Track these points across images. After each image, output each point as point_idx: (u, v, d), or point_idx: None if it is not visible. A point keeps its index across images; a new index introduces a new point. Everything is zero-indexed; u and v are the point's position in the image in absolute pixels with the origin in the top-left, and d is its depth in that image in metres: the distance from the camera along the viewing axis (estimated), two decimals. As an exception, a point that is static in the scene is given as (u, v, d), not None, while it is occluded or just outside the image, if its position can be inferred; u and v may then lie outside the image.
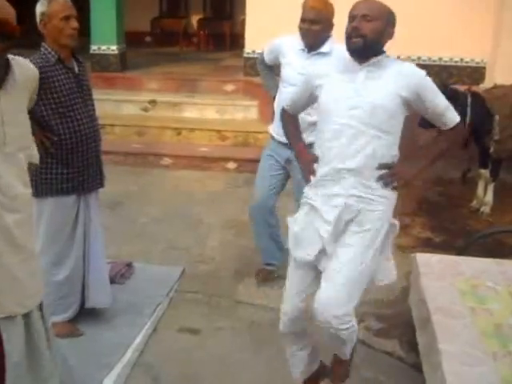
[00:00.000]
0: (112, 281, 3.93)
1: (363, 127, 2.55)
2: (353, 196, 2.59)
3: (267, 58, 4.01)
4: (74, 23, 3.12)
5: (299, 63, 3.67)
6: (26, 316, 2.46)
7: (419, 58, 7.22)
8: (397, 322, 3.72)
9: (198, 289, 4.06)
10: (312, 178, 2.73)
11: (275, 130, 3.88)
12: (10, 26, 2.24)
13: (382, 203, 2.62)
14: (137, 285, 4.03)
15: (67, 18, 3.10)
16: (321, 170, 2.68)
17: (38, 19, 3.13)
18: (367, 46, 2.54)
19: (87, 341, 3.39)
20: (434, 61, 7.36)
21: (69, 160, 3.23)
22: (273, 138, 3.94)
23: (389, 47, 2.64)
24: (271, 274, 4.17)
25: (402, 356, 3.42)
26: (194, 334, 3.58)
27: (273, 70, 4.10)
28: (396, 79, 2.56)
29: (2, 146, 2.38)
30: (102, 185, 3.46)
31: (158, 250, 4.61)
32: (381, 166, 2.60)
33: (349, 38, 2.57)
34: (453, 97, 2.88)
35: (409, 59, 6.80)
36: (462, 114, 4.61)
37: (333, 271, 2.60)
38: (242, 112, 7.25)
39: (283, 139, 3.78)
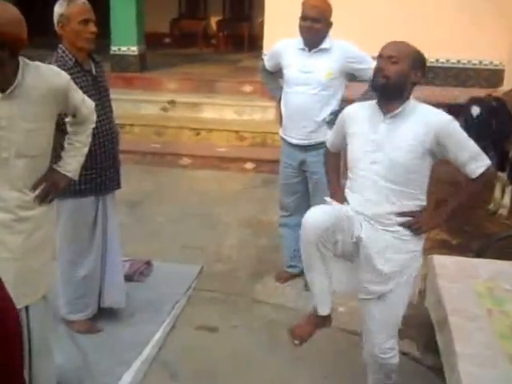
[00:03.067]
0: (131, 279, 3.99)
1: (383, 182, 2.58)
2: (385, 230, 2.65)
3: (268, 65, 4.01)
4: (92, 27, 3.09)
5: (301, 62, 3.69)
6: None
7: (437, 61, 7.21)
8: (413, 323, 3.71)
9: (215, 287, 4.09)
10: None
11: (285, 132, 3.90)
12: (21, 41, 2.26)
13: (409, 242, 2.68)
14: (155, 283, 4.07)
15: (85, 22, 3.06)
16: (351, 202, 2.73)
17: (55, 20, 3.09)
18: (390, 86, 2.55)
19: (107, 337, 3.44)
20: (452, 63, 7.34)
21: (87, 162, 3.16)
22: (284, 140, 3.96)
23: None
24: (292, 276, 4.19)
25: (419, 357, 3.43)
26: (211, 332, 3.62)
27: (275, 75, 4.09)
28: (418, 129, 2.54)
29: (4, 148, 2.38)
30: (119, 186, 3.47)
31: (175, 248, 4.65)
32: (402, 214, 2.63)
33: (374, 77, 2.60)
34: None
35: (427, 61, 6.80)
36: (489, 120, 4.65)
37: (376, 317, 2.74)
38: (260, 113, 7.27)
39: (294, 141, 3.82)
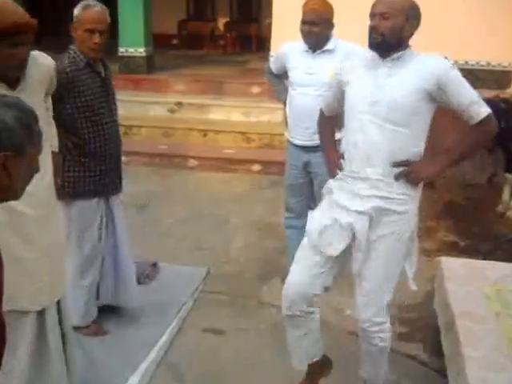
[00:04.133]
0: (137, 281, 3.97)
1: (385, 124, 2.55)
2: (375, 195, 2.61)
3: (274, 67, 4.02)
4: (95, 39, 3.04)
5: (305, 64, 3.69)
6: (40, 313, 2.53)
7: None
8: (421, 325, 3.70)
9: (222, 289, 4.09)
10: (338, 172, 2.76)
11: (290, 133, 3.91)
12: (31, 25, 2.27)
13: (404, 202, 2.63)
14: (162, 285, 4.07)
15: (91, 32, 3.04)
16: (346, 166, 2.71)
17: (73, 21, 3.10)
18: (386, 43, 2.54)
19: (113, 340, 3.43)
20: (460, 64, 7.29)
21: (91, 163, 3.23)
22: (289, 141, 3.96)
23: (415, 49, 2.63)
24: None
25: (426, 360, 3.41)
26: (218, 335, 3.61)
27: (280, 77, 4.09)
28: (417, 73, 2.53)
29: None
30: (120, 189, 3.44)
31: (183, 250, 4.65)
32: (395, 164, 2.59)
33: (369, 35, 2.58)
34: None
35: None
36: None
37: (365, 283, 2.72)
38: (268, 114, 7.26)
39: (299, 142, 3.81)
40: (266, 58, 8.07)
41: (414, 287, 2.77)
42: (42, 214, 2.50)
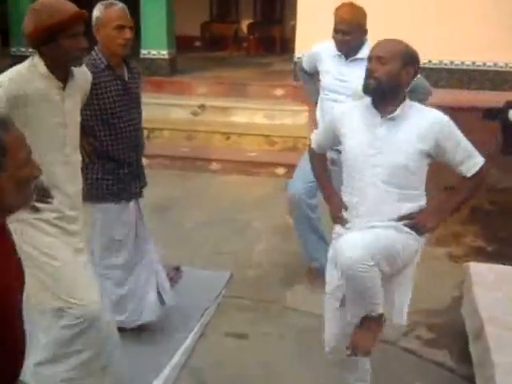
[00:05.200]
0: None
1: (386, 186, 2.54)
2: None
3: (306, 66, 4.01)
4: (127, 33, 3.07)
5: (337, 70, 3.68)
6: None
7: (474, 63, 7.07)
8: (448, 332, 3.64)
9: (245, 294, 4.06)
10: (341, 226, 2.72)
11: None
12: (84, 15, 2.40)
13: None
14: (185, 289, 4.05)
15: (120, 28, 3.05)
16: (350, 221, 2.68)
17: (93, 23, 3.10)
18: (381, 89, 2.50)
19: (136, 343, 3.42)
20: (488, 66, 7.19)
21: (110, 167, 3.22)
22: None
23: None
24: (321, 274, 4.12)
25: (453, 367, 3.34)
26: (241, 339, 3.59)
27: (313, 76, 4.08)
28: (417, 131, 2.51)
29: (63, 147, 2.47)
30: (141, 193, 3.41)
31: (204, 254, 4.63)
32: (401, 218, 2.58)
33: (364, 79, 2.55)
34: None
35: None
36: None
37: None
38: (291, 117, 7.22)
39: None
40: (289, 60, 8.07)
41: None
42: (76, 215, 2.58)
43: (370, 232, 2.53)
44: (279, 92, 7.70)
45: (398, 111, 2.52)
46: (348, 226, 2.68)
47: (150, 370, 3.20)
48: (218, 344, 3.53)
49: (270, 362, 3.37)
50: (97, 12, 3.09)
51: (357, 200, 2.62)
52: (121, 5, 3.11)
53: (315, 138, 2.94)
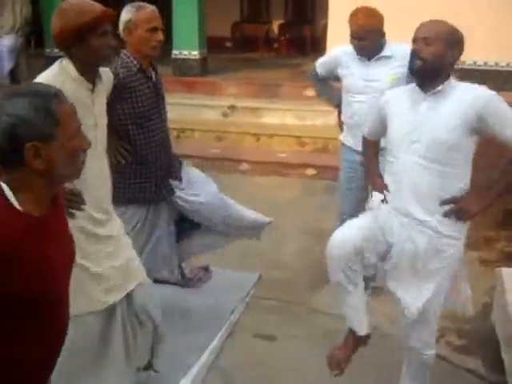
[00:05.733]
0: (189, 284, 4.00)
1: (426, 162, 2.52)
2: (422, 232, 2.60)
3: (321, 72, 3.98)
4: (160, 36, 3.08)
5: (363, 71, 3.65)
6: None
7: (508, 65, 6.94)
8: (478, 338, 3.58)
9: (273, 295, 4.05)
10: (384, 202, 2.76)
11: (346, 137, 3.91)
12: (112, 14, 2.42)
13: (453, 236, 2.61)
14: (213, 289, 4.07)
15: (153, 30, 3.06)
16: (391, 201, 2.70)
17: (122, 26, 3.09)
18: (427, 69, 2.50)
19: (164, 342, 3.43)
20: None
21: (142, 170, 3.23)
22: (344, 144, 3.96)
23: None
24: None
25: (484, 374, 3.29)
26: (268, 341, 3.58)
27: (326, 81, 4.06)
28: (458, 108, 2.48)
29: (94, 149, 2.49)
30: (172, 194, 3.42)
31: (233, 254, 4.62)
32: (444, 202, 2.55)
33: (410, 61, 2.55)
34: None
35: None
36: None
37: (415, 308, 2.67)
38: (322, 118, 7.17)
39: (354, 146, 3.76)
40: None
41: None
42: (106, 218, 2.59)
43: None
44: (310, 93, 7.63)
45: (441, 87, 2.51)
46: (389, 207, 2.69)
47: (178, 369, 3.22)
48: (246, 345, 3.53)
49: (298, 364, 3.36)
50: (127, 14, 3.07)
51: (398, 179, 2.62)
52: (152, 7, 3.11)
53: (367, 127, 3.00)
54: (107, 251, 2.59)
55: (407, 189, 2.58)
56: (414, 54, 2.52)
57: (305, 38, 10.59)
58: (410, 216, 2.60)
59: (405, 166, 2.58)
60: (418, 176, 2.54)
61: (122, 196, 3.21)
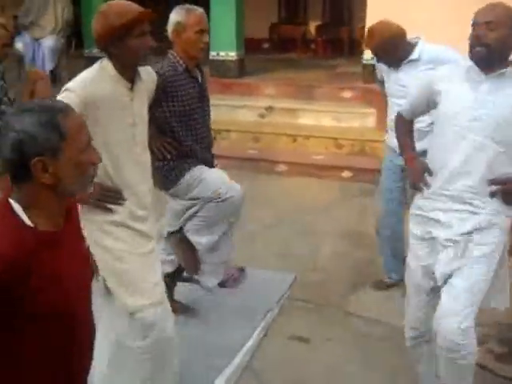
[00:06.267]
0: (224, 284, 3.99)
1: (484, 140, 2.45)
2: (468, 211, 2.52)
3: (378, 75, 4.06)
4: (207, 38, 3.17)
5: (396, 76, 3.69)
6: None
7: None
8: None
9: (308, 297, 4.02)
10: (425, 189, 2.66)
11: (390, 139, 3.88)
12: (150, 14, 2.44)
13: (497, 217, 2.53)
14: (249, 289, 4.05)
15: (202, 32, 3.14)
16: (435, 183, 2.61)
17: (171, 27, 3.17)
18: (491, 55, 2.42)
19: (198, 342, 3.44)
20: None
21: (185, 167, 3.28)
22: (387, 145, 3.96)
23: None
24: (389, 287, 4.11)
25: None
26: (303, 343, 3.56)
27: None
28: None
29: (133, 147, 2.51)
30: None
31: (269, 255, 4.62)
32: (493, 182, 2.48)
33: (472, 47, 2.46)
34: None
35: None
36: None
37: (454, 285, 2.55)
38: (360, 120, 7.13)
39: (395, 148, 3.73)
40: (358, 62, 7.97)
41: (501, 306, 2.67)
42: (146, 215, 2.62)
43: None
44: (347, 94, 7.61)
45: (504, 70, 2.45)
46: (429, 191, 2.62)
47: (212, 369, 3.22)
48: (280, 346, 3.51)
49: (332, 368, 3.32)
50: (177, 16, 3.15)
51: (445, 157, 2.55)
52: (200, 10, 3.19)
53: (406, 104, 2.90)
54: (143, 251, 2.61)
55: (456, 166, 2.51)
56: (476, 40, 2.43)
57: (342, 39, 10.56)
58: (454, 197, 2.53)
59: (458, 143, 2.50)
60: (472, 153, 2.47)
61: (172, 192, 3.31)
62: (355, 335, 3.61)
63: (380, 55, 3.61)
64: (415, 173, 2.73)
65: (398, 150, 3.70)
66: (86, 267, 1.76)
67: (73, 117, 1.56)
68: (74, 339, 1.64)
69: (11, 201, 1.52)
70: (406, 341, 2.86)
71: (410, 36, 3.74)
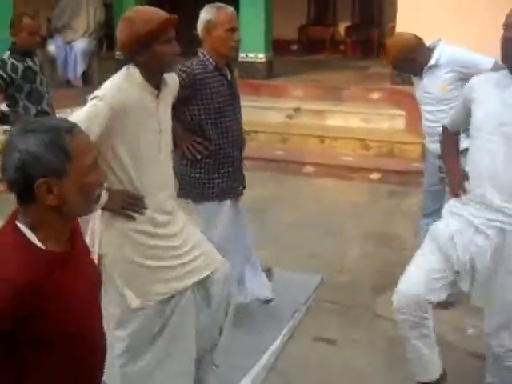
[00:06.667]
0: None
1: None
2: (500, 221, 2.51)
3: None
4: (237, 36, 3.16)
5: (421, 83, 3.70)
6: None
7: None
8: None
9: (335, 299, 4.01)
10: (462, 194, 2.66)
11: (427, 143, 3.93)
12: (175, 21, 2.41)
13: None
14: (275, 290, 4.01)
15: (232, 30, 3.14)
16: (472, 190, 2.60)
17: (201, 25, 3.17)
18: None
19: (224, 342, 3.45)
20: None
21: (215, 166, 3.28)
22: (427, 149, 4.01)
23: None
24: None
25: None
26: (330, 344, 3.55)
27: None
28: None
29: (157, 154, 2.52)
30: (242, 192, 3.49)
31: (296, 256, 4.62)
32: None
33: (506, 48, 2.45)
34: None
35: None
36: None
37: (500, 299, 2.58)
38: (388, 121, 7.08)
39: (433, 150, 3.71)
40: (387, 63, 7.90)
41: None
42: (168, 220, 2.61)
43: None
44: (376, 95, 7.58)
45: None
46: (468, 197, 2.62)
47: (238, 370, 3.22)
48: (307, 347, 3.50)
49: (359, 370, 3.30)
50: (207, 15, 3.15)
51: (480, 164, 2.55)
52: (231, 8, 3.19)
53: (450, 116, 2.95)
54: (169, 245, 2.62)
55: (488, 173, 2.50)
56: (510, 42, 2.42)
57: (372, 40, 10.50)
58: (487, 204, 2.51)
59: (489, 149, 2.49)
60: (504, 159, 2.45)
61: (195, 192, 3.28)
62: (382, 338, 3.59)
63: (400, 69, 3.63)
64: (454, 182, 2.75)
65: (436, 154, 3.73)
66: (95, 286, 1.74)
67: (79, 137, 1.51)
68: (83, 361, 1.61)
69: (18, 223, 1.50)
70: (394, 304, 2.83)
71: (439, 36, 3.73)
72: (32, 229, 1.49)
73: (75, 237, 1.62)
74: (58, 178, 1.46)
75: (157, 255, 2.57)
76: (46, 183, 1.45)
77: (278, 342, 3.50)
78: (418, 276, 2.70)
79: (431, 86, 3.60)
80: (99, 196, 1.61)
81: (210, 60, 3.16)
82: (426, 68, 3.61)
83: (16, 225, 1.49)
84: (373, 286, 4.20)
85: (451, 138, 2.95)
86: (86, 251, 1.74)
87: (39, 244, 1.49)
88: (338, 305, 3.95)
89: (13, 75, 4.42)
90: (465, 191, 2.64)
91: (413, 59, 3.60)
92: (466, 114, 2.70)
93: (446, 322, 3.46)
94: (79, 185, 1.50)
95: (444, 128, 2.97)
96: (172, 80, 2.65)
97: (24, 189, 1.46)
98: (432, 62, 3.59)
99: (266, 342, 3.47)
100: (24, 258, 1.45)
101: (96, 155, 1.57)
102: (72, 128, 1.51)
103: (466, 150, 2.79)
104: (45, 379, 1.54)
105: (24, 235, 1.48)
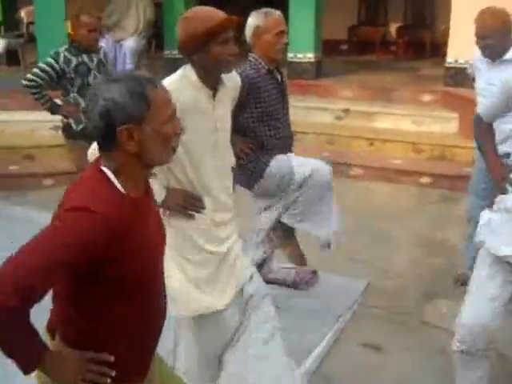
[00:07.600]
0: (296, 286, 3.97)
1: None
2: None
3: (471, 75, 3.98)
4: (286, 39, 3.26)
5: (487, 74, 3.61)
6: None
7: None
8: None
9: (382, 304, 3.92)
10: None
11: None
12: (235, 21, 2.39)
13: None
14: (320, 293, 4.01)
15: (281, 34, 3.23)
16: None
17: (250, 31, 3.26)
18: None
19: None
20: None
21: (260, 166, 3.33)
22: (476, 148, 3.83)
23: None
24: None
25: None
26: (376, 351, 3.46)
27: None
28: None
29: (214, 152, 2.50)
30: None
31: (342, 260, 4.53)
32: None
33: None
34: None
35: None
36: None
37: None
38: (440, 124, 6.91)
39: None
40: (440, 65, 7.75)
41: None
42: (225, 219, 2.60)
43: None
44: (427, 98, 7.41)
45: None
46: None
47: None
48: (351, 353, 3.43)
49: (404, 378, 3.22)
50: (256, 20, 3.25)
51: None
52: (278, 12, 3.27)
53: (485, 107, 2.88)
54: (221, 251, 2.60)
55: None
56: None
57: (424, 41, 10.31)
58: None
59: None
60: None
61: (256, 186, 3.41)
62: (432, 346, 3.48)
63: (484, 35, 3.47)
64: (498, 175, 2.69)
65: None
66: (162, 235, 1.82)
67: (160, 88, 1.60)
68: (152, 306, 1.72)
69: (104, 168, 1.58)
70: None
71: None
72: (114, 175, 1.58)
73: (148, 188, 1.72)
74: (139, 126, 1.55)
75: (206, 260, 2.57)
76: (127, 130, 1.54)
77: (322, 346, 3.44)
78: (480, 304, 2.57)
79: (497, 80, 3.48)
80: (175, 147, 1.67)
81: (263, 64, 3.26)
82: (499, 60, 3.54)
83: (101, 168, 1.58)
84: (421, 292, 4.09)
85: (488, 129, 2.88)
86: (156, 205, 1.84)
87: (122, 189, 1.58)
88: (384, 310, 3.86)
89: (65, 67, 4.48)
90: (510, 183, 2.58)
91: (503, 35, 3.49)
92: (506, 106, 2.65)
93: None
94: (157, 133, 1.58)
95: (479, 119, 2.89)
96: (232, 81, 2.61)
97: (107, 135, 1.55)
98: (508, 56, 3.52)
99: (309, 345, 3.41)
100: (111, 196, 1.55)
101: (175, 108, 1.64)
102: (153, 79, 1.60)
103: (508, 154, 2.78)
104: (118, 321, 1.64)
105: (110, 180, 1.57)
